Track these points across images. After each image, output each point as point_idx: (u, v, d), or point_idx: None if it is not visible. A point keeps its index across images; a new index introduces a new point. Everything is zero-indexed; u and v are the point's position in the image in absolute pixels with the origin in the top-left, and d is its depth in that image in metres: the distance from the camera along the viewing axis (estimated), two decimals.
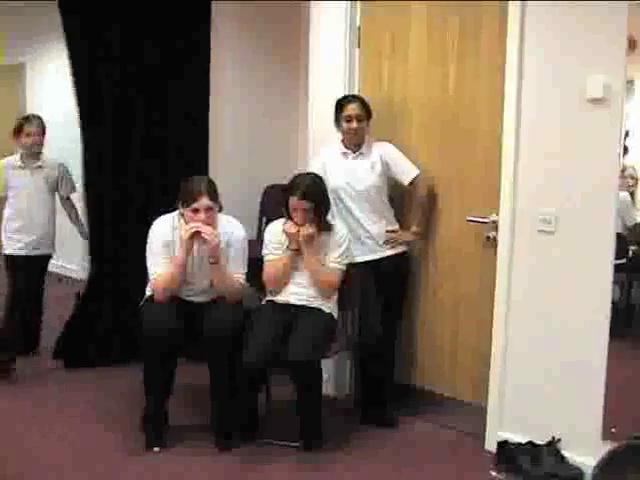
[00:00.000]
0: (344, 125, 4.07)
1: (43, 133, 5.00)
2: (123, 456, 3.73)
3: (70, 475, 3.54)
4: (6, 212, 4.99)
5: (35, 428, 4.04)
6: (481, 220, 3.86)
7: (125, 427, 4.02)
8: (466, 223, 3.93)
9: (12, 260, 4.91)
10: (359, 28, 4.36)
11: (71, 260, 7.02)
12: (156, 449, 3.77)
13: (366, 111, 4.06)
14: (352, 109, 4.04)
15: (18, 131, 4.93)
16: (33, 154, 4.97)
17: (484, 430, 3.84)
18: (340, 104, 4.09)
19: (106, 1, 4.80)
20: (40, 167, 5.00)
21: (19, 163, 4.96)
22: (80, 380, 4.79)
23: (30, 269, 4.93)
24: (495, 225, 3.77)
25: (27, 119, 4.99)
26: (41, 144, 4.99)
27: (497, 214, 3.74)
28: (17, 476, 3.50)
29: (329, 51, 4.42)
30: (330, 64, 4.42)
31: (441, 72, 4.03)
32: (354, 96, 4.16)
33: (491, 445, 3.78)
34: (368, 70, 4.37)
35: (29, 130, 4.91)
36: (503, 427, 3.77)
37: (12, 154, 5.00)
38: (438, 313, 4.17)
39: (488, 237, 3.83)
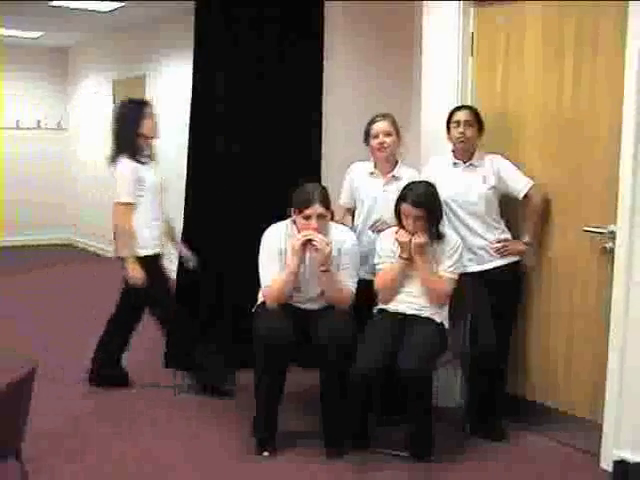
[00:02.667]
0: (452, 131, 4.04)
1: (397, 133, 4.21)
2: (233, 459, 3.81)
3: (183, 476, 3.65)
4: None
5: (151, 429, 4.18)
6: (598, 230, 3.75)
7: (236, 431, 4.10)
8: (582, 234, 3.83)
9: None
10: (472, 34, 4.32)
11: None
12: (266, 453, 3.83)
13: (476, 120, 4.02)
14: (461, 115, 4.02)
15: (367, 134, 4.24)
16: (389, 160, 4.26)
17: (599, 447, 3.72)
18: (451, 112, 4.07)
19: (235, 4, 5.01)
20: (395, 178, 4.24)
21: (371, 170, 4.29)
22: (191, 383, 4.88)
23: None
24: (613, 236, 3.66)
25: (374, 118, 4.23)
26: (392, 147, 4.19)
27: (615, 224, 3.63)
28: (134, 475, 3.64)
29: (442, 59, 4.40)
30: (443, 72, 4.40)
31: (557, 77, 3.94)
32: (465, 105, 4.14)
33: (607, 464, 3.65)
34: (481, 78, 4.32)
35: (377, 129, 4.20)
36: (620, 445, 3.63)
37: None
38: (552, 325, 4.07)
39: (605, 248, 3.72)
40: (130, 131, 4.50)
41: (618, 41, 3.59)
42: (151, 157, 4.63)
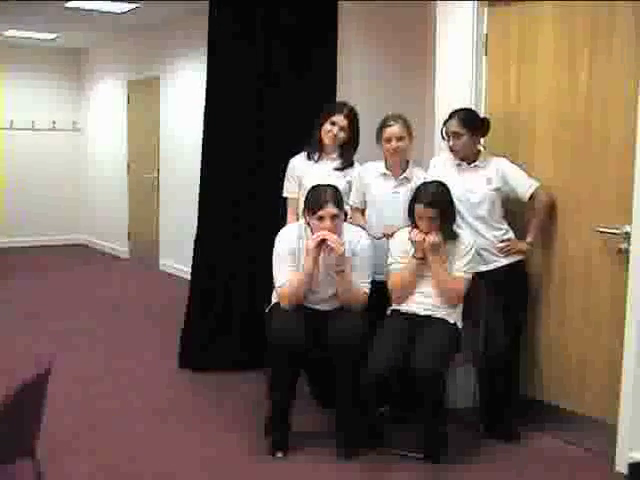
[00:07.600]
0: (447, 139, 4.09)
1: (410, 136, 4.18)
2: (247, 460, 3.81)
3: (196, 476, 3.66)
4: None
5: (163, 429, 4.20)
6: (612, 231, 3.73)
7: (249, 431, 4.10)
8: (595, 234, 3.81)
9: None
10: (486, 35, 4.31)
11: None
12: (279, 454, 3.83)
13: (467, 128, 3.99)
14: (449, 127, 4.04)
15: (379, 135, 4.19)
16: (400, 162, 4.22)
17: (614, 449, 3.70)
18: (445, 121, 4.08)
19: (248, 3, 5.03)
20: (406, 179, 4.22)
21: (383, 171, 4.26)
22: (203, 383, 4.92)
23: None
24: (627, 236, 3.64)
25: (387, 120, 4.18)
26: (405, 150, 4.18)
27: (630, 225, 3.61)
28: (147, 474, 3.65)
29: (455, 58, 4.40)
30: (456, 72, 4.39)
31: (570, 77, 3.93)
32: (456, 111, 4.07)
33: (622, 466, 3.62)
34: (495, 78, 4.31)
35: (390, 133, 4.15)
36: (635, 447, 3.60)
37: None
38: (566, 326, 4.05)
39: (619, 249, 3.70)
40: None
41: (632, 41, 3.58)
42: None
